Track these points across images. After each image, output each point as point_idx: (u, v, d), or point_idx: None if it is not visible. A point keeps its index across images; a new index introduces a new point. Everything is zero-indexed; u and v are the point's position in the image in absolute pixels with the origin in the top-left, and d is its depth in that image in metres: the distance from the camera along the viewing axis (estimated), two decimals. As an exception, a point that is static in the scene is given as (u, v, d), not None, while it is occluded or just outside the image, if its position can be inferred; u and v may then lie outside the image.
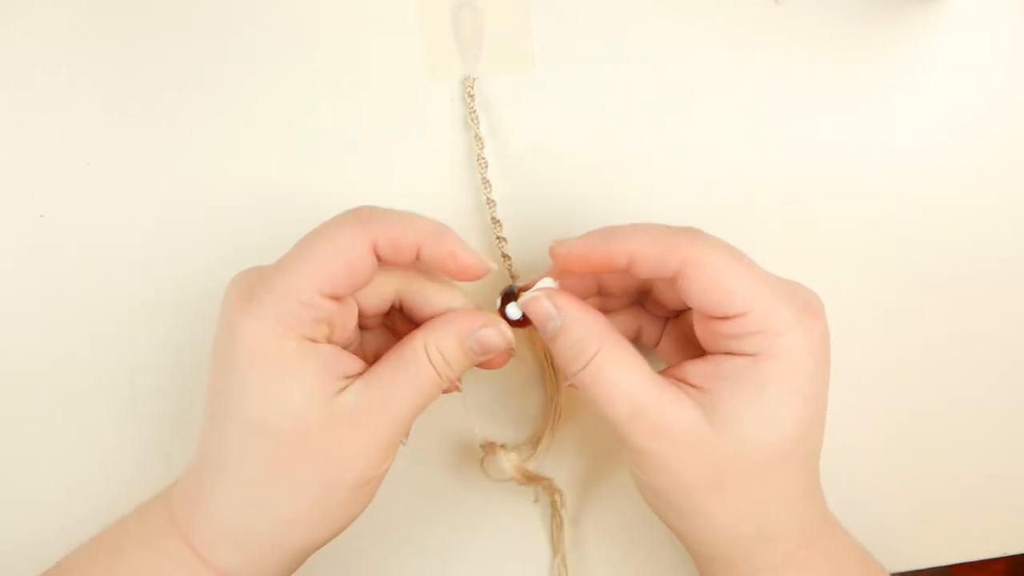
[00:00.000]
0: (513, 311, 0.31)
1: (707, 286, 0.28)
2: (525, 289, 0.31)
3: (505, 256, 0.36)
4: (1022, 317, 0.39)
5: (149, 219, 0.37)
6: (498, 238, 0.36)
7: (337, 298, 0.28)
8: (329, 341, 0.29)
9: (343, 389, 0.28)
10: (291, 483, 0.28)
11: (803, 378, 0.28)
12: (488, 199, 0.36)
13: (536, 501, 0.38)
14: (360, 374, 0.29)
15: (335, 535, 0.30)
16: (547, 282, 0.31)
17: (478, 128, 0.36)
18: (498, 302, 0.32)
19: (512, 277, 0.37)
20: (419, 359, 0.29)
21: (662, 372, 0.30)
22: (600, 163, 0.37)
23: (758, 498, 0.29)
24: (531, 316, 0.30)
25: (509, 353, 0.31)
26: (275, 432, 0.27)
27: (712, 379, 0.29)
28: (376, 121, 0.37)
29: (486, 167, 0.36)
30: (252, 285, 0.28)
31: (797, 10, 0.37)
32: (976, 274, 0.39)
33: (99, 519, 0.31)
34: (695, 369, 0.29)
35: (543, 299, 0.29)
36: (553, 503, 0.37)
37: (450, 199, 0.37)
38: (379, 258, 0.29)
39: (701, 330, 0.30)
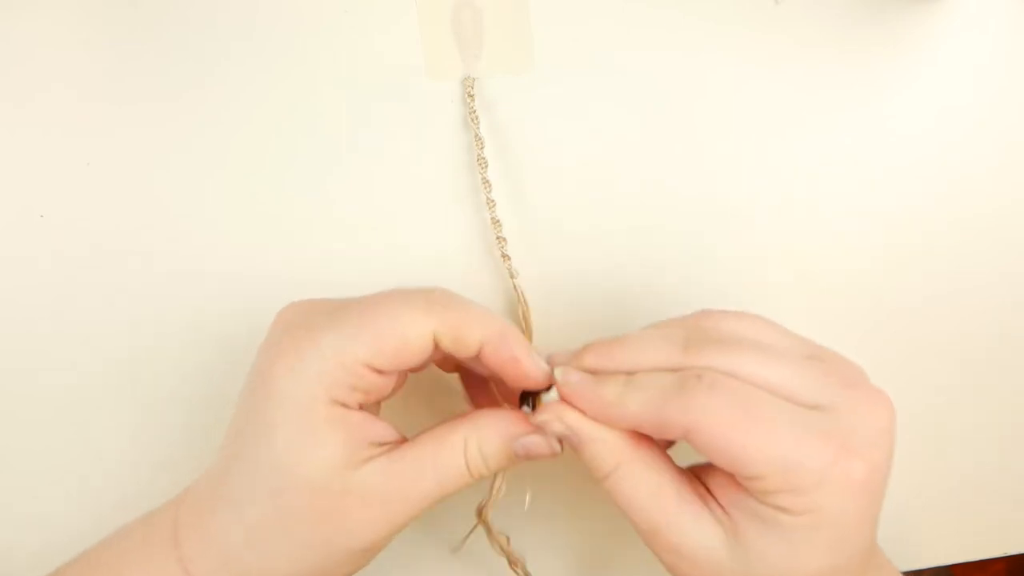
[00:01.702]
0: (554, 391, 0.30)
1: (714, 454, 0.25)
2: (534, 393, 0.30)
3: (505, 256, 0.36)
4: (1021, 318, 0.39)
5: (149, 219, 0.37)
6: (498, 238, 0.36)
7: (382, 372, 0.28)
8: (361, 406, 0.28)
9: (367, 460, 0.28)
10: (295, 538, 0.28)
11: (838, 530, 0.26)
12: (488, 199, 0.36)
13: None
14: (388, 443, 0.29)
15: None
16: (553, 395, 0.29)
17: (478, 128, 0.36)
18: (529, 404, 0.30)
19: (512, 276, 0.37)
20: (454, 453, 0.28)
21: (691, 469, 0.29)
22: (600, 163, 0.37)
23: None
24: (551, 435, 0.29)
25: (553, 458, 0.30)
26: (291, 489, 0.27)
27: (737, 508, 0.26)
28: (376, 121, 0.37)
29: (486, 167, 0.36)
30: (300, 337, 0.28)
31: (797, 10, 0.37)
32: (976, 275, 0.39)
33: (101, 525, 0.31)
34: (722, 485, 0.27)
35: (555, 423, 0.28)
36: None
37: (450, 199, 0.37)
38: (436, 346, 0.28)
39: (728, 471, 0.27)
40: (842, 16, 0.37)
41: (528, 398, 0.30)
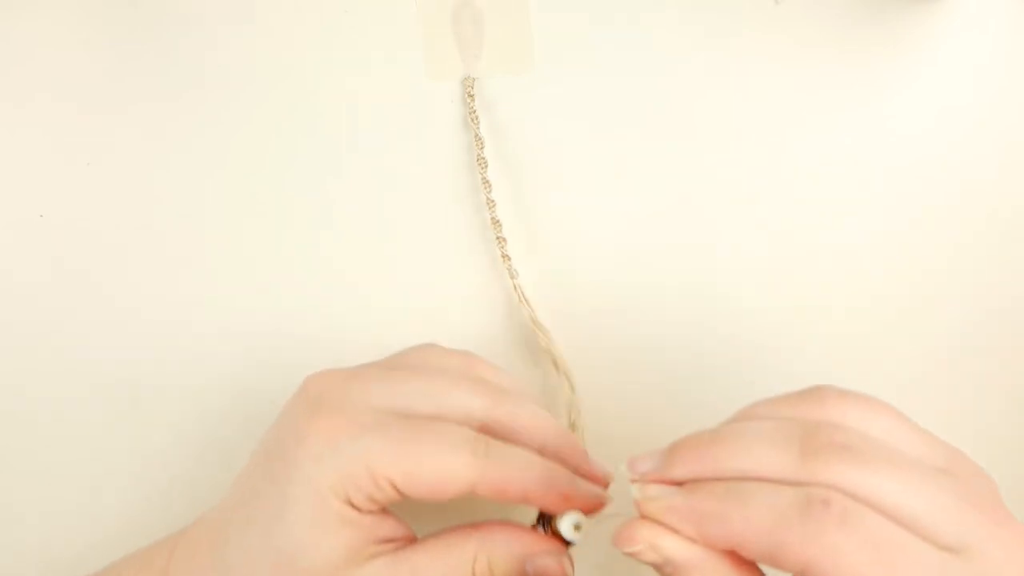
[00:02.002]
0: (568, 530, 0.28)
1: None
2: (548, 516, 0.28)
3: (505, 256, 0.36)
4: (1021, 319, 0.39)
5: (149, 219, 0.37)
6: (498, 238, 0.36)
7: (405, 496, 0.27)
8: (373, 511, 0.27)
9: (371, 557, 0.27)
10: None
11: None
12: (488, 199, 0.36)
13: None
14: (397, 539, 0.28)
15: None
16: (565, 524, 0.27)
17: (478, 128, 0.36)
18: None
19: (512, 277, 0.37)
20: (461, 566, 0.27)
21: None
22: (600, 163, 0.37)
23: None
24: (627, 547, 0.24)
25: None
26: (283, 570, 0.26)
27: None
28: (376, 121, 0.37)
29: (486, 167, 0.36)
30: (337, 428, 0.27)
31: (797, 10, 0.37)
32: (977, 275, 0.39)
33: (101, 528, 0.31)
34: None
35: (648, 554, 0.24)
36: None
37: (450, 199, 0.37)
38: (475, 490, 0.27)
39: None
40: (842, 16, 0.37)
41: (545, 518, 0.28)
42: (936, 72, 0.38)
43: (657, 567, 0.24)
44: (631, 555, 0.24)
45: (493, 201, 0.36)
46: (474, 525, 0.28)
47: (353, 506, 0.26)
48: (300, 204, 0.37)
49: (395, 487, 0.26)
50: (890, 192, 0.38)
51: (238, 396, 0.37)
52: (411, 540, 0.28)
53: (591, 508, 0.28)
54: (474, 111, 0.36)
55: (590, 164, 0.37)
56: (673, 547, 0.23)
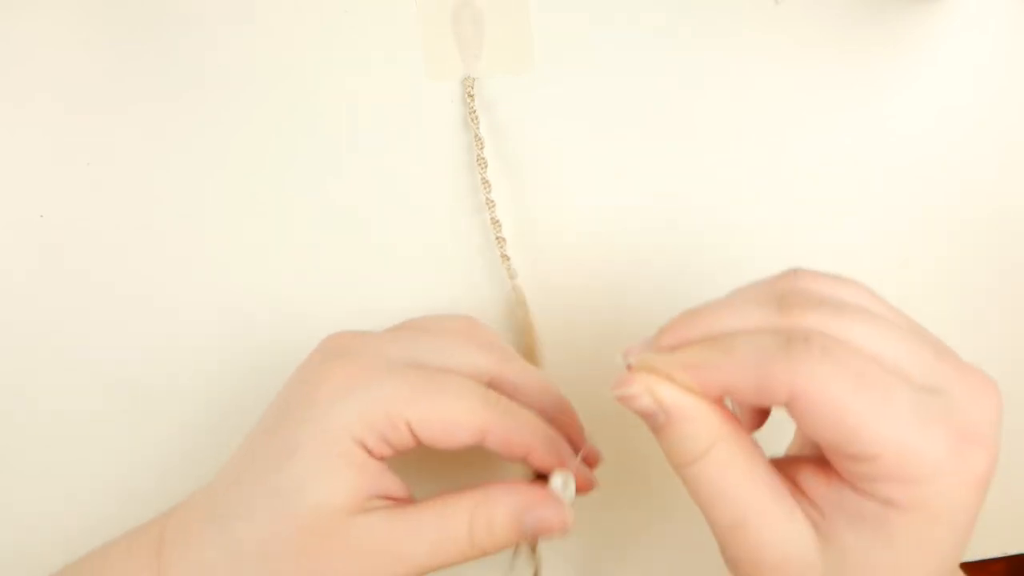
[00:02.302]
0: (560, 487, 0.28)
1: (823, 424, 0.22)
2: (544, 475, 0.29)
3: (504, 256, 0.36)
4: (1021, 318, 0.39)
5: (149, 219, 0.37)
6: (498, 238, 0.36)
7: (418, 439, 0.28)
8: (382, 458, 0.28)
9: (369, 510, 0.27)
10: (275, 564, 0.27)
11: (950, 531, 0.23)
12: (488, 199, 0.36)
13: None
14: (396, 499, 0.28)
15: None
16: (558, 480, 0.28)
17: (478, 128, 0.36)
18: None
19: (511, 277, 0.37)
20: (458, 521, 0.27)
21: (781, 462, 0.25)
22: (600, 162, 0.37)
23: None
24: (632, 411, 0.25)
25: (562, 535, 0.28)
26: (290, 515, 0.26)
27: (833, 507, 0.23)
28: (376, 121, 0.37)
29: (486, 167, 0.36)
30: (357, 372, 0.27)
31: (797, 10, 0.37)
32: (976, 274, 0.39)
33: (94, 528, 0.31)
34: (816, 483, 0.24)
35: (643, 397, 0.24)
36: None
37: (450, 199, 0.37)
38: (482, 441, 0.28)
39: (826, 452, 0.24)
40: (842, 16, 0.37)
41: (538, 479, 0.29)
42: (936, 72, 0.38)
43: (649, 417, 0.24)
44: (624, 400, 0.24)
45: (493, 201, 0.36)
46: (471, 486, 0.28)
47: (366, 449, 0.27)
48: (300, 204, 0.37)
49: (410, 429, 0.27)
50: (890, 192, 0.38)
51: (237, 397, 0.37)
52: (410, 501, 0.28)
53: (580, 487, 0.28)
54: (474, 111, 0.36)
55: (590, 164, 0.37)
56: (669, 394, 0.24)
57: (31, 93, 0.36)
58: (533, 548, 0.33)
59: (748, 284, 0.26)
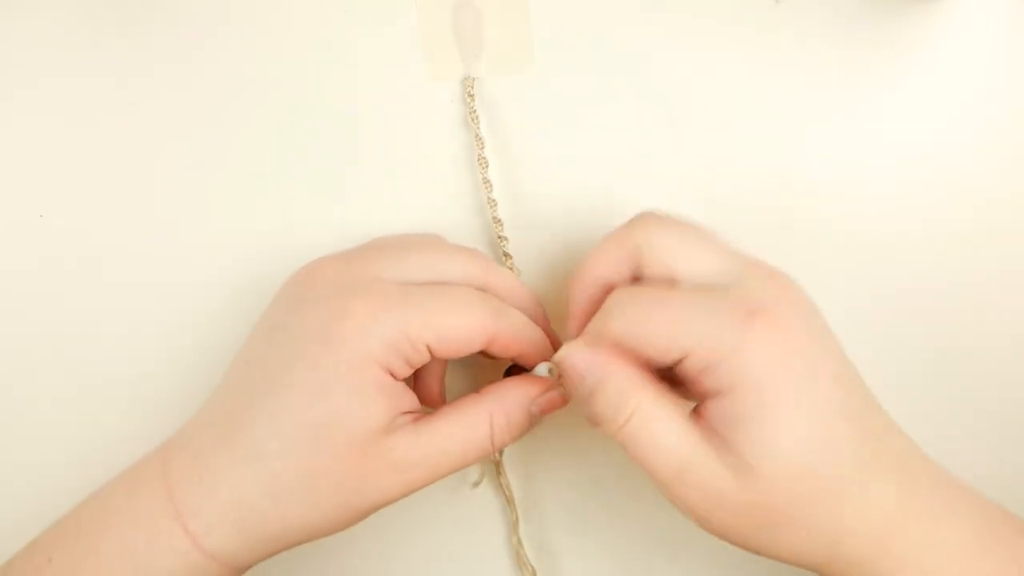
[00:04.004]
0: (545, 372, 0.32)
1: (642, 340, 0.27)
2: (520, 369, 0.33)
3: (506, 255, 0.36)
4: (1020, 318, 0.39)
5: (150, 219, 0.37)
6: (499, 238, 0.36)
7: (435, 353, 0.30)
8: (402, 378, 0.30)
9: (395, 430, 0.29)
10: (316, 492, 0.28)
11: (776, 393, 0.26)
12: (489, 199, 0.36)
13: (476, 484, 0.38)
14: (414, 413, 0.30)
15: (327, 536, 0.30)
16: (544, 369, 0.32)
17: (478, 128, 0.36)
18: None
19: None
20: (480, 427, 0.30)
21: (693, 413, 0.29)
22: (600, 162, 0.37)
23: (823, 517, 0.27)
24: (563, 375, 0.29)
25: (563, 406, 0.32)
26: (331, 446, 0.28)
27: (720, 423, 0.27)
28: (376, 121, 0.37)
29: (487, 167, 0.36)
30: (375, 303, 0.29)
31: (797, 10, 0.37)
32: (976, 276, 0.39)
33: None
34: (712, 411, 0.27)
35: (578, 352, 0.28)
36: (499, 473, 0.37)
37: (451, 199, 0.37)
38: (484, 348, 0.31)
39: (682, 381, 0.28)
40: (842, 16, 0.37)
41: (514, 371, 0.32)
42: (936, 72, 0.38)
43: (579, 381, 0.28)
44: (559, 364, 0.29)
45: (494, 201, 0.36)
46: (481, 391, 0.31)
47: (391, 373, 0.29)
48: (300, 204, 0.37)
49: (429, 348, 0.29)
50: (890, 192, 0.38)
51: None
52: (423, 413, 0.31)
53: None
54: (474, 111, 0.36)
55: (590, 164, 0.37)
56: (591, 354, 0.28)
57: (32, 93, 0.36)
58: (498, 468, 0.37)
59: (608, 235, 0.31)
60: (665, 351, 0.27)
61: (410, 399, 0.30)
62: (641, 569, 0.39)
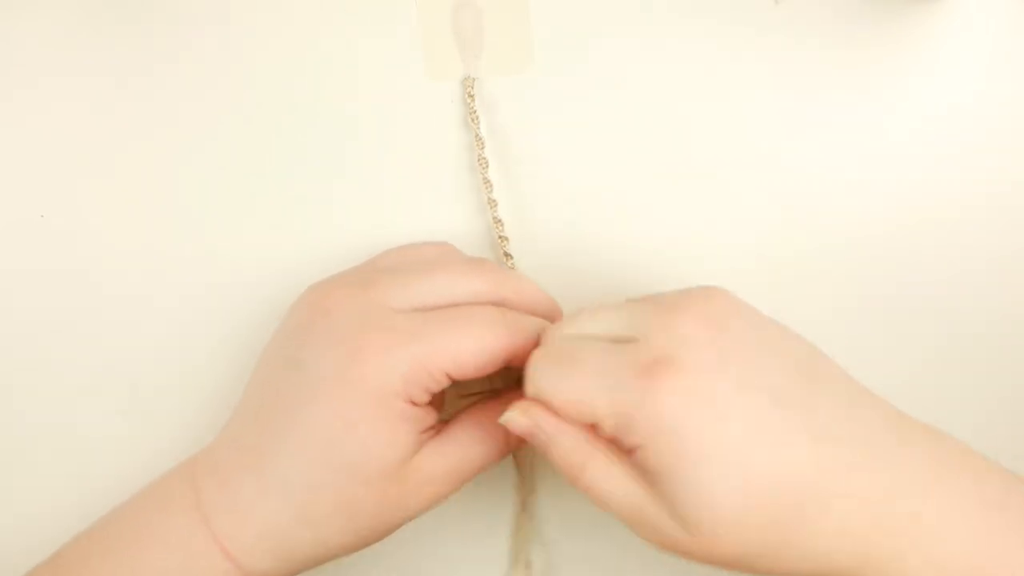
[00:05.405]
0: None
1: (558, 409, 0.28)
2: None
3: (507, 255, 0.36)
4: (1020, 318, 0.39)
5: (150, 219, 0.37)
6: (500, 238, 0.36)
7: (455, 378, 0.30)
8: (423, 404, 0.30)
9: (421, 447, 0.30)
10: (355, 519, 0.29)
11: (695, 440, 0.25)
12: (490, 199, 0.36)
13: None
14: (435, 427, 0.31)
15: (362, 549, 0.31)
16: None
17: (478, 128, 0.36)
18: None
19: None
20: (496, 435, 0.31)
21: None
22: (601, 162, 0.37)
23: (805, 534, 0.26)
24: (517, 433, 0.29)
25: None
26: (363, 482, 0.29)
27: (655, 479, 0.26)
28: (376, 121, 0.37)
29: (487, 167, 0.36)
30: (390, 339, 0.29)
31: (797, 10, 0.37)
32: (975, 275, 0.39)
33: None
34: (644, 466, 0.27)
35: (520, 418, 0.28)
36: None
37: (451, 200, 0.37)
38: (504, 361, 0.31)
39: None
40: (842, 16, 0.37)
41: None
42: (936, 72, 0.38)
43: (532, 437, 0.28)
44: (508, 424, 0.29)
45: (495, 201, 0.36)
46: (494, 392, 0.33)
47: (412, 402, 0.29)
48: (300, 204, 0.37)
49: (447, 375, 0.29)
50: (890, 192, 0.38)
51: (238, 398, 0.37)
52: (439, 425, 0.31)
53: None
54: (474, 111, 0.36)
55: (590, 164, 0.37)
56: (538, 414, 0.28)
57: (32, 93, 0.36)
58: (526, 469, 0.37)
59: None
60: (579, 417, 0.27)
61: (431, 416, 0.31)
62: (641, 569, 0.39)
